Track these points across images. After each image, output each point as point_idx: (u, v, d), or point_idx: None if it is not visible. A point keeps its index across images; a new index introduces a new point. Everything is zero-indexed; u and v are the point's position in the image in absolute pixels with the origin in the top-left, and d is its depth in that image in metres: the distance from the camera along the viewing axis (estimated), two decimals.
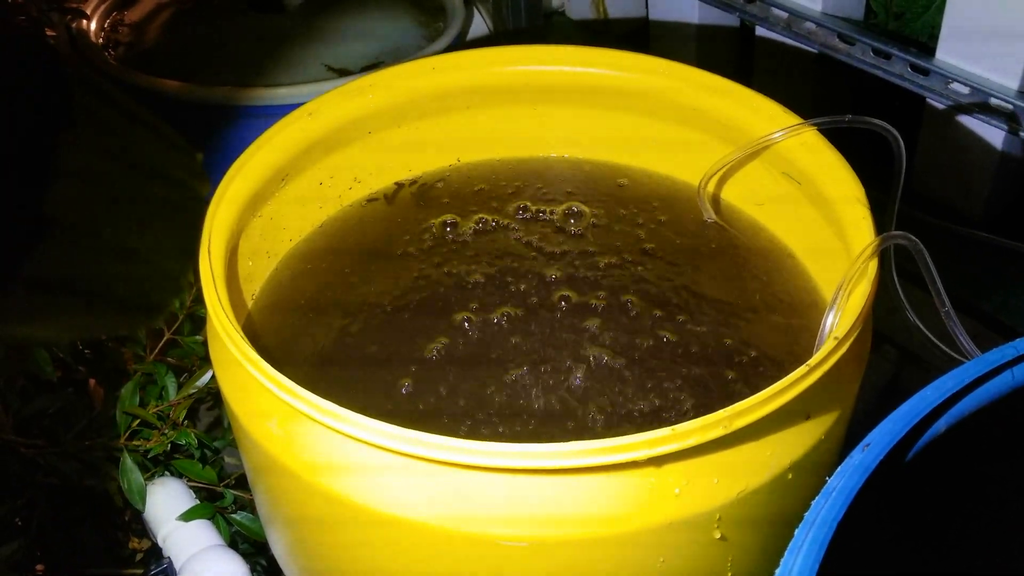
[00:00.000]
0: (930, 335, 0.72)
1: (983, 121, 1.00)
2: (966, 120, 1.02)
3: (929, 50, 1.03)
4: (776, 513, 0.61)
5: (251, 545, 0.91)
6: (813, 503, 0.49)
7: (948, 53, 1.01)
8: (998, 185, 1.06)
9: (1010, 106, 0.96)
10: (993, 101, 0.97)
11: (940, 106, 1.03)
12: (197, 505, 0.89)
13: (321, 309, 0.80)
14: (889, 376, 1.06)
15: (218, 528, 0.89)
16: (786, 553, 0.48)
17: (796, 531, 0.48)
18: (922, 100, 1.05)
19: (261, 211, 0.80)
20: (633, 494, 0.57)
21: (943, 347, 0.70)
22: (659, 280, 0.81)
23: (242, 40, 1.25)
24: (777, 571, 0.47)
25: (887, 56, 1.04)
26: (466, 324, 0.77)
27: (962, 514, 0.57)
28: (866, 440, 0.50)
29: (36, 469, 0.89)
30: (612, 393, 0.71)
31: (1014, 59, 0.95)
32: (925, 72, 1.01)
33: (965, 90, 0.99)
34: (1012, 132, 0.98)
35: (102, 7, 1.32)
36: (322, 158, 0.85)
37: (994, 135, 1.02)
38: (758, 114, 0.79)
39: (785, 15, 1.13)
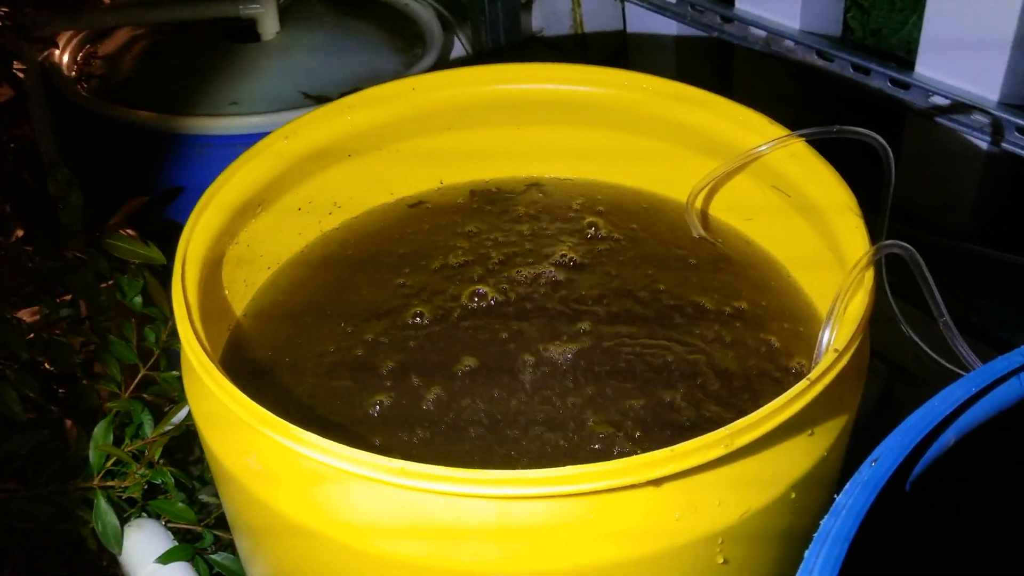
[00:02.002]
0: (925, 347, 0.71)
1: (965, 132, 0.99)
2: (948, 132, 1.02)
3: (908, 64, 1.03)
4: (780, 534, 0.59)
5: None
6: (823, 522, 0.47)
7: (927, 67, 1.00)
8: (982, 196, 1.06)
9: (991, 117, 0.96)
10: (974, 112, 0.97)
11: (922, 119, 1.03)
12: (175, 547, 0.86)
13: (302, 340, 0.78)
14: (880, 392, 1.04)
15: (198, 570, 0.86)
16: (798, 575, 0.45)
17: (806, 553, 0.46)
18: (904, 111, 1.05)
19: (238, 238, 0.78)
20: (632, 519, 0.55)
21: (939, 359, 0.69)
22: (649, 297, 0.79)
23: (218, 70, 1.24)
24: None
25: (866, 71, 1.04)
26: (452, 350, 0.75)
27: (972, 529, 0.55)
28: (874, 455, 0.48)
29: (7, 514, 0.86)
30: (603, 409, 0.69)
31: (993, 70, 0.95)
32: (905, 86, 1.01)
33: (946, 102, 0.99)
34: (994, 143, 0.97)
35: (75, 40, 1.31)
36: (300, 183, 0.83)
37: (976, 146, 1.01)
38: (745, 127, 0.78)
39: (763, 34, 1.12)
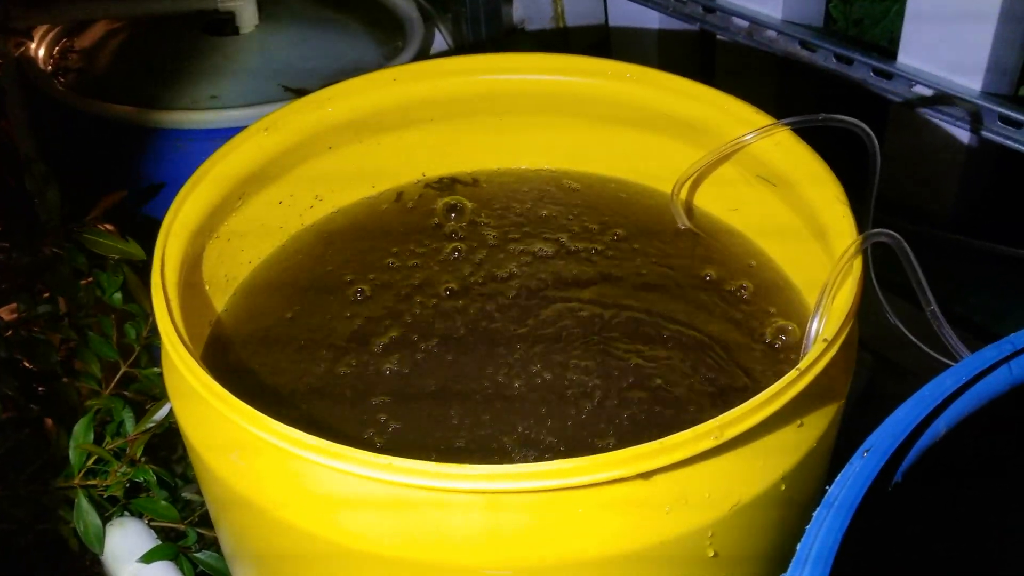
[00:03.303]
0: (913, 337, 0.70)
1: (948, 122, 0.99)
2: (931, 122, 1.02)
3: (891, 54, 1.02)
4: (770, 526, 0.59)
5: None
6: (815, 514, 0.46)
7: (910, 56, 1.00)
8: (965, 186, 1.06)
9: (974, 106, 0.96)
10: (957, 102, 0.97)
11: (905, 108, 1.02)
12: (159, 545, 0.85)
13: (285, 335, 0.77)
14: (866, 382, 1.04)
15: (182, 569, 0.85)
16: (791, 568, 0.45)
17: (799, 545, 0.45)
18: (887, 101, 1.05)
19: (218, 232, 0.77)
20: (622, 512, 0.54)
21: (927, 349, 0.69)
22: (632, 288, 0.78)
23: (197, 64, 1.23)
24: None
25: (849, 61, 1.03)
26: (436, 342, 0.74)
27: (968, 519, 0.54)
28: (866, 445, 0.48)
29: None
30: (583, 412, 0.68)
31: (975, 60, 0.95)
32: (888, 76, 1.01)
33: (928, 92, 0.99)
34: (977, 132, 0.97)
35: (51, 34, 1.29)
36: (280, 176, 0.82)
37: (959, 136, 1.01)
38: (730, 116, 0.78)
39: (746, 24, 1.12)
